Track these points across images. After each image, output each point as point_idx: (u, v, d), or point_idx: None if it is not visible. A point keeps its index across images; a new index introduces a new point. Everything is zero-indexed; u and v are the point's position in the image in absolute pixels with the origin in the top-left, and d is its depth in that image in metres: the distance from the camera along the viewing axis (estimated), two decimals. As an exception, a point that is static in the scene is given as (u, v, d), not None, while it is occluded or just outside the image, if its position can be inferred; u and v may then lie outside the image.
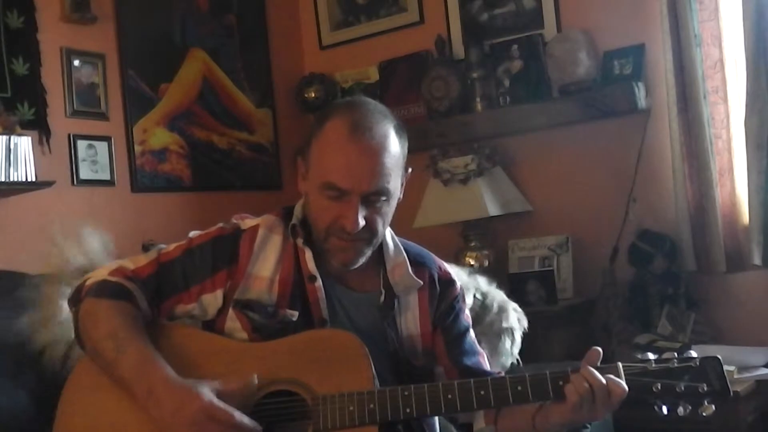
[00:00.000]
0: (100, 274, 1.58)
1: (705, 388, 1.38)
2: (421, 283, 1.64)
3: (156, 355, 1.47)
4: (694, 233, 3.03)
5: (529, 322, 3.11)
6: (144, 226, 3.15)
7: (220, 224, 1.65)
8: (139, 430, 1.45)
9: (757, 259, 2.93)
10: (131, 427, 1.46)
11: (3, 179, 2.63)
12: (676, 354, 1.43)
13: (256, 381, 1.46)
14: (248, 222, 1.63)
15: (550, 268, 3.24)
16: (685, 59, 3.01)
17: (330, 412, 1.45)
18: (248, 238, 1.60)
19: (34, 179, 2.72)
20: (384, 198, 1.52)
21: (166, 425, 1.40)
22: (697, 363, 1.40)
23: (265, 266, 1.59)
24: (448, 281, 1.70)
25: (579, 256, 3.29)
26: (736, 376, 2.63)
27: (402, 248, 1.66)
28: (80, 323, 1.55)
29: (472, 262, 3.32)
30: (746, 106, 2.93)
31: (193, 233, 1.64)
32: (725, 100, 3.06)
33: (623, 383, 1.39)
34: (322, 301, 1.58)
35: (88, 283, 1.58)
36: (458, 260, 3.30)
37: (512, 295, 3.16)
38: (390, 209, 1.56)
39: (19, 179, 2.67)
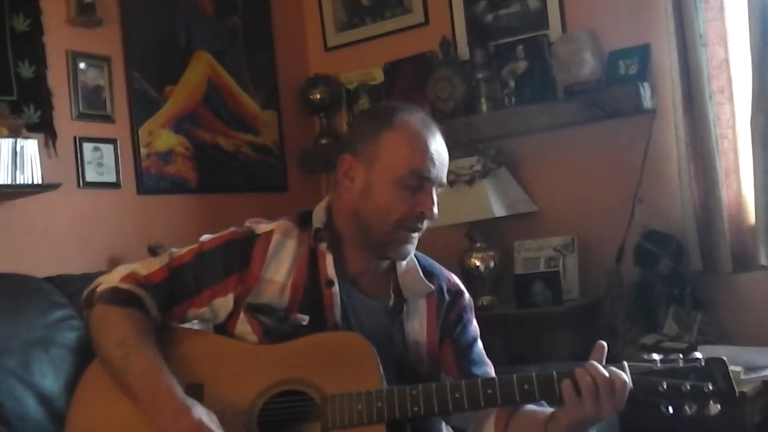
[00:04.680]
0: (112, 279, 1.60)
1: (710, 387, 1.39)
2: (432, 287, 1.66)
3: (162, 365, 1.50)
4: (700, 233, 3.02)
5: (534, 323, 3.13)
6: (150, 228, 3.15)
7: (233, 228, 1.66)
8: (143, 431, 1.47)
9: (763, 260, 2.92)
10: (137, 428, 1.47)
11: (9, 182, 2.64)
12: (681, 355, 1.44)
13: None
14: (263, 227, 1.64)
15: (556, 269, 3.24)
16: (691, 59, 3.00)
17: (338, 411, 1.46)
18: (262, 243, 1.61)
19: (40, 182, 2.72)
20: (441, 191, 1.60)
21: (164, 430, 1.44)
22: (702, 363, 1.41)
23: (278, 271, 1.60)
24: (457, 291, 1.72)
25: (584, 256, 3.29)
26: (742, 377, 2.62)
27: (413, 255, 1.67)
28: (92, 328, 1.58)
29: (478, 263, 3.31)
30: (752, 105, 2.92)
31: (204, 237, 1.65)
32: (731, 99, 3.05)
33: (624, 375, 1.40)
34: (337, 307, 1.60)
35: (99, 288, 1.60)
36: (463, 261, 3.31)
37: (518, 296, 3.19)
38: None
39: (25, 182, 2.67)
